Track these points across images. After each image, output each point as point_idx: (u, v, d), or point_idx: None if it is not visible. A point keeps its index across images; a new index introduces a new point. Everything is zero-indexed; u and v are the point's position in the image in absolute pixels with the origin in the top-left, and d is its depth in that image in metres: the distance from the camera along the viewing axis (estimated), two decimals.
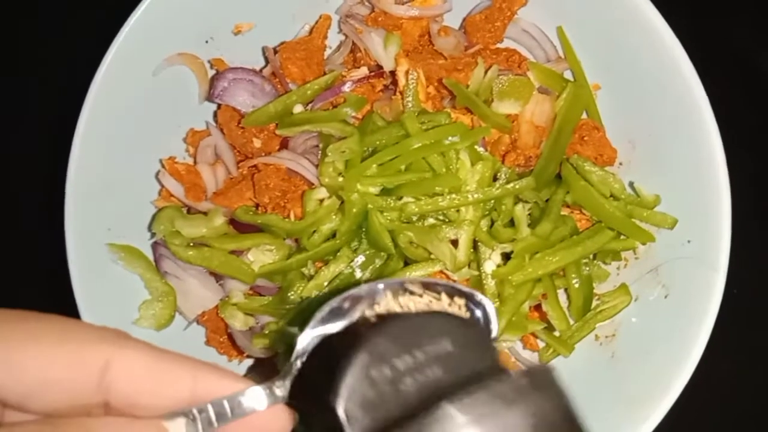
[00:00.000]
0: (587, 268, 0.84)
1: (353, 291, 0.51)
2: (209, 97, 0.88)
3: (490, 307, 0.53)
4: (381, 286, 0.51)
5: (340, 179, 0.80)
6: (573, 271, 0.83)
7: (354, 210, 0.79)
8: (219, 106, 0.90)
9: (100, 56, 0.83)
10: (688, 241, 0.82)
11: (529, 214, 0.83)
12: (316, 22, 0.91)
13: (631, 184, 0.86)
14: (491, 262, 0.80)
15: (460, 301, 0.52)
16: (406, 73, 0.83)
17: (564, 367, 0.86)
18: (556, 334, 0.86)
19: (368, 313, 0.51)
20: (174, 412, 0.45)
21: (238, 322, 0.85)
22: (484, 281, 0.80)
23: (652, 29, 0.81)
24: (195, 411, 0.46)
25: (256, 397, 0.48)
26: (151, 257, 0.88)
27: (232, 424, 0.46)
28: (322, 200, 0.82)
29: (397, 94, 0.85)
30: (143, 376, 0.45)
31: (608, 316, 0.85)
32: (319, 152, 0.84)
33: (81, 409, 0.44)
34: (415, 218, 0.80)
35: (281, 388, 0.49)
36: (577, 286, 0.84)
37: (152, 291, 0.87)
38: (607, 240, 0.83)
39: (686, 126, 0.81)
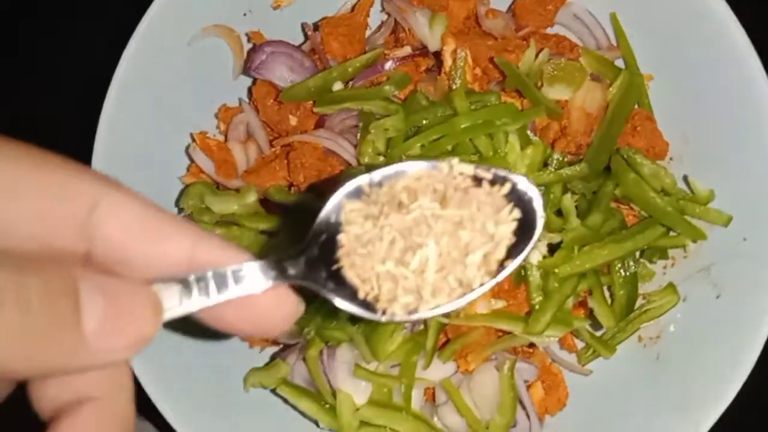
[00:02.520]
0: (633, 266, 0.80)
1: (385, 169, 0.47)
2: (245, 71, 0.85)
3: (537, 197, 0.48)
4: (411, 166, 0.47)
5: (381, 159, 0.76)
6: (618, 268, 0.79)
7: None
8: (254, 81, 0.87)
9: (136, 23, 0.80)
10: (744, 239, 0.78)
11: (576, 207, 0.79)
12: (359, 0, 0.87)
13: (684, 179, 0.82)
14: (537, 253, 0.76)
15: (504, 190, 0.47)
16: (453, 52, 0.80)
17: (605, 370, 0.83)
18: (598, 334, 0.82)
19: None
20: (167, 277, 0.39)
21: None
22: (529, 272, 0.76)
23: (714, 17, 0.77)
24: (192, 278, 0.39)
25: (263, 272, 0.42)
26: None
27: (232, 302, 0.40)
28: None
29: (442, 74, 0.81)
30: (135, 227, 0.37)
31: (654, 316, 0.81)
32: (358, 133, 0.80)
33: (55, 257, 0.36)
34: None
35: (295, 267, 0.44)
36: (621, 283, 0.80)
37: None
38: (658, 235, 0.79)
39: (746, 120, 0.78)
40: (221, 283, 0.40)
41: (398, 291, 0.45)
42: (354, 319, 0.79)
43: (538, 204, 0.47)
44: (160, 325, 0.38)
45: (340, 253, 0.45)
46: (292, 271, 0.43)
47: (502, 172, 0.47)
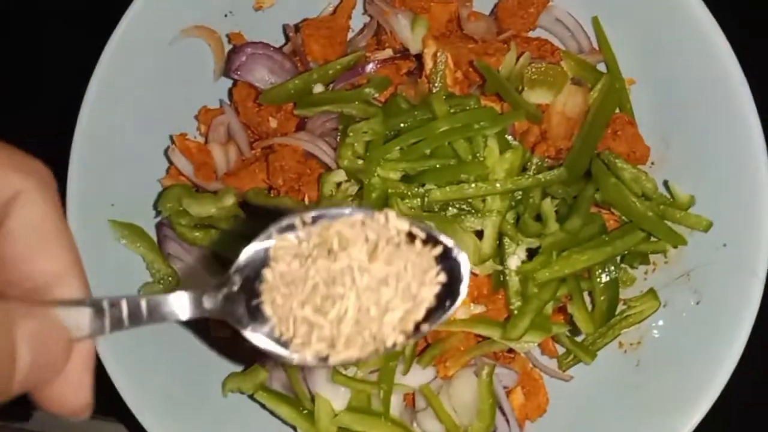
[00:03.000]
0: (614, 271, 0.79)
1: (321, 210, 0.47)
2: (225, 72, 0.84)
3: (465, 265, 0.48)
4: (348, 211, 0.47)
5: (360, 162, 0.76)
6: (599, 274, 0.79)
7: (373, 195, 0.74)
8: (235, 83, 0.86)
9: (116, 23, 0.80)
10: (724, 245, 0.77)
11: (556, 211, 0.79)
12: (341, 2, 0.87)
13: (665, 183, 0.81)
14: (516, 258, 0.75)
15: (434, 251, 0.47)
16: (434, 55, 0.79)
17: (586, 376, 0.82)
18: (578, 339, 0.81)
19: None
20: (79, 299, 0.40)
21: None
22: (508, 277, 0.76)
23: (696, 23, 0.77)
24: (106, 303, 0.41)
25: (179, 303, 0.43)
26: (154, 238, 0.84)
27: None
28: (339, 184, 0.78)
29: (423, 77, 0.81)
30: (38, 235, 0.41)
31: (634, 322, 0.81)
32: (338, 135, 0.80)
33: None
34: (437, 208, 0.75)
35: (211, 301, 0.45)
36: (602, 289, 0.79)
37: (154, 273, 0.82)
38: (638, 241, 0.78)
39: (727, 125, 0.77)
40: (135, 312, 0.42)
41: (313, 337, 0.45)
42: None
43: (465, 271, 0.48)
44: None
45: (263, 288, 0.46)
46: (207, 305, 0.44)
47: (435, 234, 0.47)
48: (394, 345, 0.46)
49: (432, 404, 0.78)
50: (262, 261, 0.46)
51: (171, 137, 0.85)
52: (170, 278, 0.82)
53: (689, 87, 0.80)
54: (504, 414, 0.80)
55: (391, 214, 0.47)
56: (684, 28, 0.78)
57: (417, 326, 0.47)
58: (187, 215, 0.79)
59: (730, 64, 0.76)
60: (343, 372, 0.77)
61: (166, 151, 0.85)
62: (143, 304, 0.42)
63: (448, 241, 0.47)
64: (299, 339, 0.45)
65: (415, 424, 0.80)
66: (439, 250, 0.47)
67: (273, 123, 0.83)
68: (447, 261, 0.47)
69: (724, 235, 0.77)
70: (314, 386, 0.79)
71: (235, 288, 0.46)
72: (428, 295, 0.46)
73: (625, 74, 0.84)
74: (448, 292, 0.47)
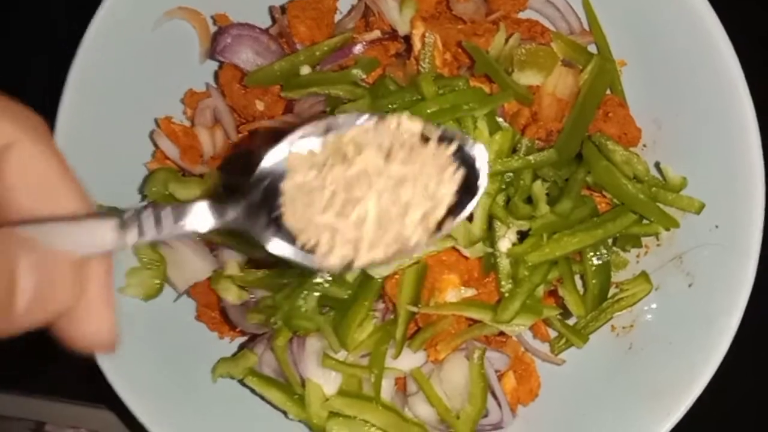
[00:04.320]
0: (606, 254, 0.79)
1: (333, 119, 0.47)
2: (211, 54, 0.83)
3: (482, 157, 0.48)
4: (359, 118, 0.47)
5: None
6: (590, 257, 0.78)
7: None
8: (221, 65, 0.85)
9: (98, 3, 0.78)
10: (716, 227, 0.77)
11: (547, 194, 0.78)
12: None
13: (656, 165, 0.81)
14: (506, 240, 0.75)
15: (450, 149, 0.47)
16: (422, 36, 0.78)
17: (578, 359, 0.82)
18: (570, 322, 0.81)
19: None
20: (104, 210, 0.40)
21: (232, 295, 0.80)
22: (498, 260, 0.75)
23: (687, 2, 0.76)
24: (130, 214, 0.40)
25: (202, 214, 0.42)
26: None
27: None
28: None
29: (412, 59, 0.79)
30: (33, 182, 0.39)
31: (626, 305, 0.80)
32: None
33: None
34: None
35: (234, 211, 0.44)
36: (594, 272, 0.78)
37: (141, 258, 0.81)
38: (630, 223, 0.78)
39: (719, 106, 0.76)
40: (159, 221, 0.41)
41: (336, 241, 0.45)
42: (322, 309, 0.77)
43: (483, 164, 0.48)
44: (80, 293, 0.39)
45: (282, 200, 0.46)
46: (231, 215, 0.44)
47: (449, 132, 0.47)
48: (418, 244, 0.47)
49: (423, 388, 0.77)
50: (280, 175, 0.46)
51: (156, 121, 0.83)
52: (157, 263, 0.81)
53: (681, 68, 0.79)
54: (495, 398, 0.79)
55: (403, 117, 0.47)
56: (675, 8, 0.77)
57: (439, 225, 0.47)
58: (173, 199, 0.78)
59: (722, 44, 0.75)
60: (334, 356, 0.77)
61: (151, 135, 0.83)
62: (168, 212, 0.41)
63: (463, 138, 0.48)
64: (323, 246, 0.45)
65: (406, 408, 0.80)
66: (454, 147, 0.47)
67: (260, 105, 0.82)
68: (463, 157, 0.48)
69: (716, 216, 0.77)
70: (305, 371, 0.78)
71: (257, 198, 0.45)
72: (447, 192, 0.47)
73: (616, 55, 0.83)
74: (468, 188, 0.48)
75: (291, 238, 0.46)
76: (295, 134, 0.47)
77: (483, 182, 0.48)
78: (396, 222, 0.46)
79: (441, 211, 0.47)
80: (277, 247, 0.46)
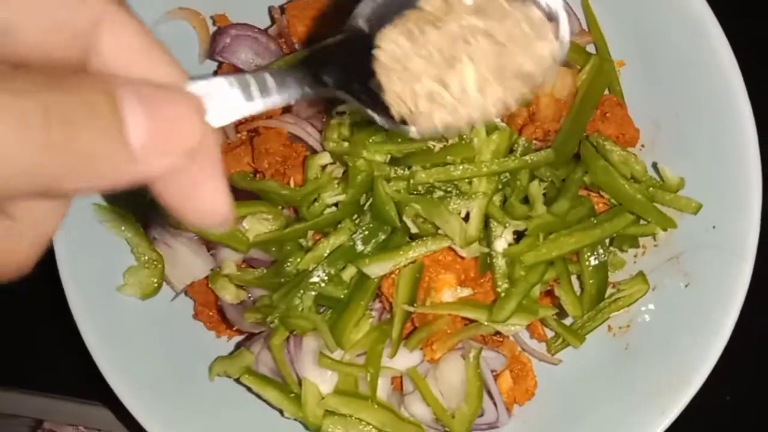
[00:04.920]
0: (603, 254, 0.79)
1: None
2: (210, 54, 0.83)
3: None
4: None
5: (346, 145, 0.75)
6: (588, 257, 0.78)
7: (359, 177, 0.74)
8: (220, 65, 0.85)
9: None
10: (713, 227, 0.77)
11: (545, 194, 0.78)
12: None
13: (654, 166, 0.81)
14: (503, 240, 0.75)
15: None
16: None
17: (575, 359, 0.82)
18: (567, 322, 0.81)
19: None
20: (205, 78, 0.38)
21: (230, 294, 0.80)
22: (495, 260, 0.75)
23: (686, 3, 0.76)
24: (233, 80, 0.38)
25: (297, 81, 0.40)
26: (139, 222, 0.83)
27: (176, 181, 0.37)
28: (324, 167, 0.77)
29: None
30: (133, 49, 0.37)
31: (623, 305, 0.80)
32: (324, 118, 0.79)
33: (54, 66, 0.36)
34: (423, 190, 0.75)
35: (331, 75, 0.42)
36: (591, 272, 0.78)
37: (139, 257, 0.82)
38: (627, 224, 0.78)
39: (717, 107, 0.76)
40: (263, 87, 0.39)
41: (434, 107, 0.44)
42: (319, 308, 0.78)
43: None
44: (206, 130, 0.37)
45: (376, 67, 0.44)
46: (328, 79, 0.42)
47: None
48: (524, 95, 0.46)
49: (419, 387, 0.78)
50: (368, 39, 0.45)
51: None
52: (156, 262, 0.82)
53: (679, 69, 0.79)
54: (492, 397, 0.79)
55: None
56: (674, 9, 0.77)
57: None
58: None
59: (720, 46, 0.75)
60: (330, 355, 0.77)
61: None
62: (269, 77, 0.39)
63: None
64: (422, 114, 0.44)
65: (402, 408, 0.80)
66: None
67: None
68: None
69: (713, 217, 0.77)
70: (301, 370, 0.78)
71: (349, 60, 0.44)
72: (544, 52, 0.46)
73: (615, 56, 0.83)
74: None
75: (383, 108, 0.45)
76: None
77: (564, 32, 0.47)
78: (496, 83, 0.45)
79: (540, 66, 0.46)
80: (377, 117, 0.45)
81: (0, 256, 0.37)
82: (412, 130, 0.45)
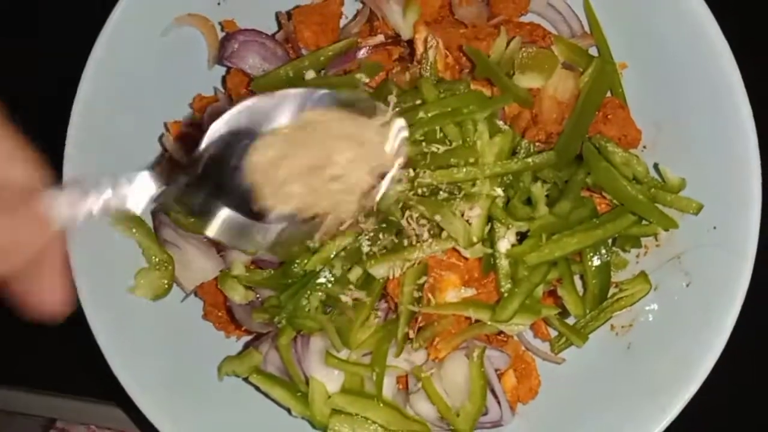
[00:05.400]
0: (605, 255, 0.80)
1: (283, 91, 0.53)
2: (218, 60, 0.85)
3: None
4: (319, 94, 0.54)
5: None
6: (590, 257, 0.79)
7: None
8: (228, 70, 0.87)
9: (109, 11, 0.80)
10: (714, 228, 0.78)
11: (547, 196, 0.79)
12: None
13: (655, 167, 0.82)
14: (506, 241, 0.76)
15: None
16: (425, 40, 0.79)
17: (577, 358, 0.83)
18: (570, 322, 0.82)
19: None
20: (68, 181, 0.43)
21: (238, 295, 0.82)
22: (498, 260, 0.76)
23: (686, 6, 0.77)
24: (87, 184, 0.44)
25: (148, 180, 0.47)
26: (150, 224, 0.85)
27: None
28: None
29: (414, 63, 0.81)
30: None
31: (626, 305, 0.81)
32: None
33: None
34: (426, 192, 0.76)
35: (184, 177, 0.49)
36: (594, 272, 0.79)
37: (150, 259, 0.83)
38: (629, 224, 0.79)
39: (718, 109, 0.77)
40: (117, 188, 0.46)
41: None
42: (326, 308, 0.79)
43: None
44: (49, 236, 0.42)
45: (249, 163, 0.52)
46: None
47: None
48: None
49: (424, 386, 0.79)
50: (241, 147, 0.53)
51: (165, 124, 0.85)
52: (166, 264, 0.83)
53: (681, 71, 0.80)
54: (495, 396, 0.80)
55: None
56: (676, 12, 0.78)
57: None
58: None
59: (720, 48, 0.76)
60: (337, 355, 0.78)
61: (161, 139, 0.85)
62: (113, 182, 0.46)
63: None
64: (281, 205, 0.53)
65: (407, 406, 0.81)
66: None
67: None
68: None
69: (714, 217, 0.78)
70: (308, 369, 0.80)
71: (201, 171, 0.51)
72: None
73: (617, 58, 0.84)
74: None
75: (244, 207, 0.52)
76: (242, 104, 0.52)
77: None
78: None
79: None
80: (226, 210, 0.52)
81: None
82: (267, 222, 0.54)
